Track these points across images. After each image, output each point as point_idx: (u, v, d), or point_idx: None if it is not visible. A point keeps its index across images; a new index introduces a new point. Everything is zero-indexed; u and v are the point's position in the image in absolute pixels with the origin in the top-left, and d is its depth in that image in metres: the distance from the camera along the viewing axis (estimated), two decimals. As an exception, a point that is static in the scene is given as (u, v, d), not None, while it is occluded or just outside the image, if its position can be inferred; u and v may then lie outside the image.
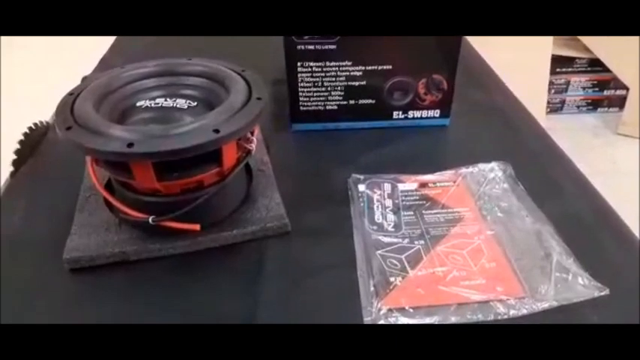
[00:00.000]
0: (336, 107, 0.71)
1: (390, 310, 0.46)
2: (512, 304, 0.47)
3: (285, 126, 0.73)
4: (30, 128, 0.70)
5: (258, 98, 0.51)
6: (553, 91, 2.07)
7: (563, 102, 2.10)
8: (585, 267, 0.50)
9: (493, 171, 0.63)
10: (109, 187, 0.56)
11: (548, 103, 2.06)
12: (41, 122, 0.72)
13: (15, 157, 0.66)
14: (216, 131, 0.45)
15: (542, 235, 0.53)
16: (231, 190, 0.54)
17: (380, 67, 0.68)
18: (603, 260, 0.51)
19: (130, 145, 0.44)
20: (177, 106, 0.52)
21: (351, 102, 0.70)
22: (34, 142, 0.68)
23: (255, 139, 0.54)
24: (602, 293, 0.47)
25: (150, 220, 0.50)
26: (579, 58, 2.01)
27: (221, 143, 0.46)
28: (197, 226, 0.50)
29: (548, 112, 2.07)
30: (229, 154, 0.50)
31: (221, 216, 0.54)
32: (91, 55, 0.94)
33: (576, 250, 0.51)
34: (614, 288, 0.47)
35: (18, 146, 0.67)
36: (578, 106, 2.11)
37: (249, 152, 0.53)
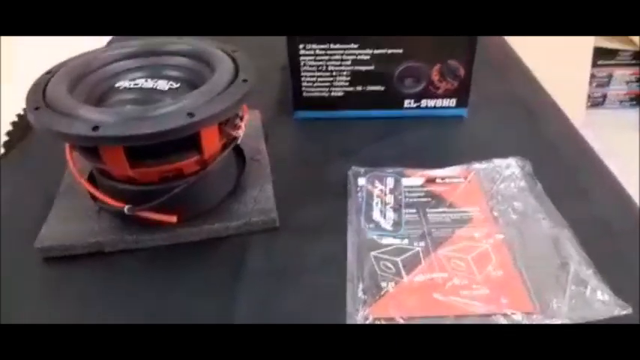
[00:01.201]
0: (341, 94, 0.66)
1: (377, 319, 0.42)
2: (517, 319, 0.41)
3: (289, 114, 0.69)
4: (24, 109, 0.67)
5: (244, 80, 0.47)
6: (595, 84, 1.94)
7: (604, 96, 1.98)
8: (607, 281, 0.43)
9: (510, 167, 0.57)
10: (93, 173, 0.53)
11: (589, 97, 1.94)
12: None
13: (6, 138, 0.64)
14: (191, 115, 0.41)
15: (560, 241, 0.47)
16: (216, 179, 0.50)
17: (390, 51, 0.62)
18: (629, 274, 0.45)
19: (96, 128, 0.40)
20: (158, 87, 0.48)
21: (358, 88, 0.65)
22: (26, 124, 0.66)
23: (242, 125, 0.50)
24: (624, 312, 0.41)
25: (125, 209, 0.46)
26: (623, 51, 1.88)
27: (197, 128, 0.42)
28: (174, 218, 0.46)
29: (588, 107, 1.95)
30: (210, 141, 0.46)
31: (205, 207, 0.50)
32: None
33: (598, 261, 0.45)
34: (637, 305, 0.41)
35: (10, 128, 0.65)
36: (620, 101, 1.98)
37: (234, 139, 0.49)
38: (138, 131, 0.40)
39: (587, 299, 0.42)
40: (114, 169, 0.45)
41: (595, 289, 0.43)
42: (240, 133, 0.49)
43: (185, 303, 0.44)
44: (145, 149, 0.43)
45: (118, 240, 0.48)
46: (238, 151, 0.58)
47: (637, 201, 0.53)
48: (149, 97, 0.48)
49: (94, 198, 0.52)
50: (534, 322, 0.41)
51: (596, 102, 1.98)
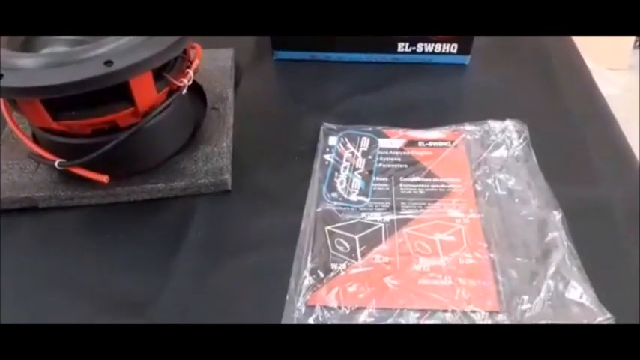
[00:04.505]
0: (325, 34, 0.57)
1: (319, 307, 0.37)
2: (477, 319, 0.36)
3: (269, 53, 0.61)
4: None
5: (185, 21, 0.39)
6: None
7: (657, 36, 1.78)
8: (592, 279, 0.37)
9: (505, 132, 0.49)
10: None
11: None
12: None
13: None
14: (109, 63, 0.35)
15: (547, 226, 0.41)
16: (161, 133, 0.44)
17: (381, -15, 0.53)
18: (621, 273, 0.38)
19: (-1, 76, 0.34)
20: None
21: (344, 28, 0.57)
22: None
23: (190, 72, 0.43)
24: (604, 320, 0.35)
25: (56, 164, 0.42)
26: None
27: (118, 79, 0.36)
28: (104, 178, 0.41)
29: (636, 46, 1.77)
30: (144, 91, 0.40)
31: (147, 164, 0.45)
32: None
33: (587, 254, 0.38)
34: (621, 314, 0.35)
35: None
36: (675, 42, 1.78)
37: (179, 88, 0.42)
38: (42, 82, 0.34)
39: (564, 301, 0.36)
40: (34, 120, 0.40)
41: (575, 289, 0.36)
42: (186, 81, 0.43)
43: (115, 272, 0.40)
44: (67, 100, 0.38)
45: (52, 196, 0.44)
46: (201, 98, 0.52)
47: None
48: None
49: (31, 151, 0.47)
50: (496, 323, 0.35)
51: (646, 42, 1.79)
